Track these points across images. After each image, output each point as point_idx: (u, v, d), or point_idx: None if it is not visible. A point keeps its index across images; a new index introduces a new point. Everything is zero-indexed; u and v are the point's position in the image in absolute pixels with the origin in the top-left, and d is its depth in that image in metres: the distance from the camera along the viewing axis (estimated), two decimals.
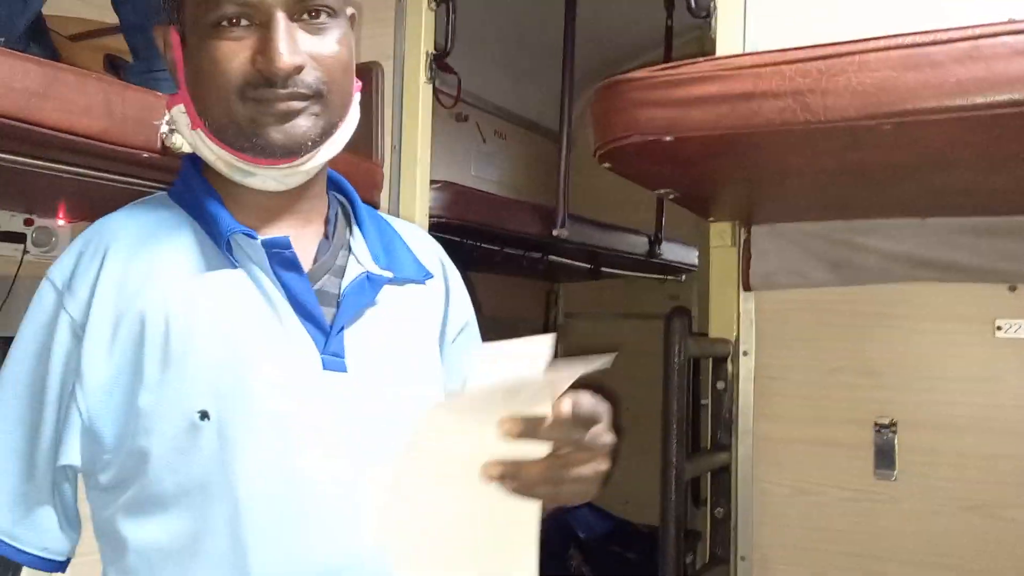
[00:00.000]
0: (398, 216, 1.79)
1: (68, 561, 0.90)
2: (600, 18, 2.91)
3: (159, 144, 1.28)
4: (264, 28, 0.83)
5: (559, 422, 0.72)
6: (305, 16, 0.85)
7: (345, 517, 0.85)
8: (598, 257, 3.03)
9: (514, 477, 0.73)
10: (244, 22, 0.84)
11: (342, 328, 0.89)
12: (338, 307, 0.90)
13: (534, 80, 3.17)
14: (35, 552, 0.87)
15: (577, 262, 2.97)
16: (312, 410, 0.85)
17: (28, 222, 1.79)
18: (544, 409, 0.72)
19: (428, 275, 1.01)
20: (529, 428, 0.71)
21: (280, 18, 0.83)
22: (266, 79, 0.83)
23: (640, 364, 3.45)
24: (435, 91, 1.94)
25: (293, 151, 0.87)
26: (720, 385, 1.62)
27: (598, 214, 2.92)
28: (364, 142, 1.87)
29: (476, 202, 2.31)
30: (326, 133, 0.88)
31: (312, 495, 0.84)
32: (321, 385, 0.86)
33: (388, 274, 0.94)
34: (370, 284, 0.93)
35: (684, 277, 3.68)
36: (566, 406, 0.73)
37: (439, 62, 1.92)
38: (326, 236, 0.95)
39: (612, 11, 2.99)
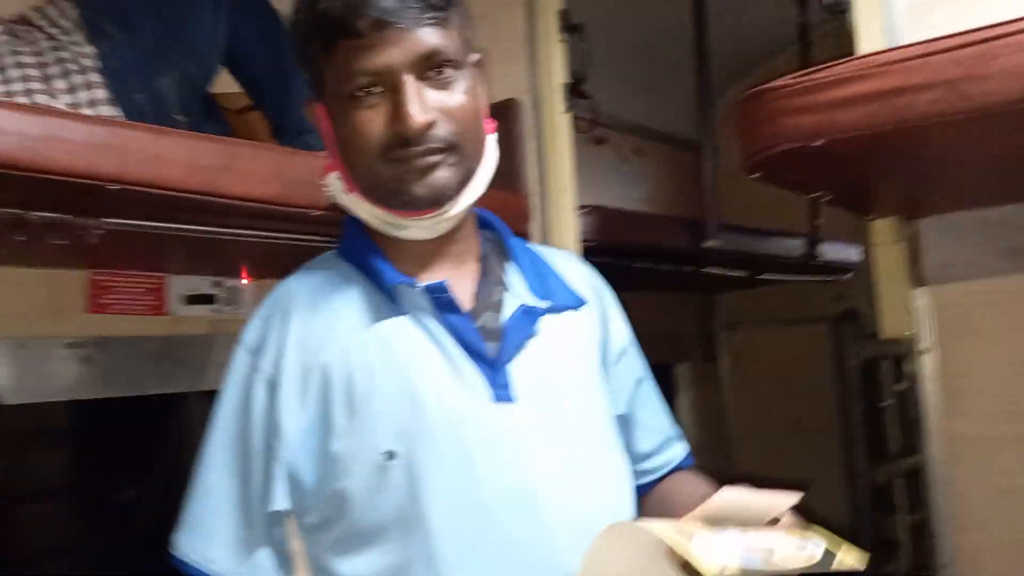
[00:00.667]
0: (549, 243, 1.84)
1: None
2: (728, 21, 2.86)
3: (325, 202, 1.38)
4: (395, 92, 0.90)
5: None
6: (430, 73, 0.91)
7: (531, 540, 0.88)
8: (754, 264, 2.96)
9: None
10: (377, 89, 0.90)
11: (507, 361, 0.94)
12: (501, 341, 0.95)
13: (667, 93, 3.15)
14: None
15: (732, 271, 2.92)
16: (488, 441, 0.90)
17: (216, 284, 1.96)
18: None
19: (582, 301, 1.04)
20: None
21: (408, 80, 0.89)
22: (402, 139, 0.89)
23: (808, 370, 3.34)
24: (573, 118, 1.97)
25: (437, 201, 0.93)
26: (900, 386, 1.55)
27: (749, 220, 2.86)
28: (510, 177, 1.92)
29: (624, 222, 2.32)
30: (465, 180, 0.95)
31: (495, 524, 0.88)
32: (493, 416, 0.91)
33: (544, 304, 0.99)
34: (528, 316, 0.98)
35: (849, 276, 3.53)
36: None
37: (575, 90, 1.96)
38: (482, 274, 1.01)
39: (740, 13, 2.94)
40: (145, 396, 1.95)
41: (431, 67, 0.91)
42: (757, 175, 1.03)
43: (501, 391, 0.93)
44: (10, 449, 1.97)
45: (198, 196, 1.22)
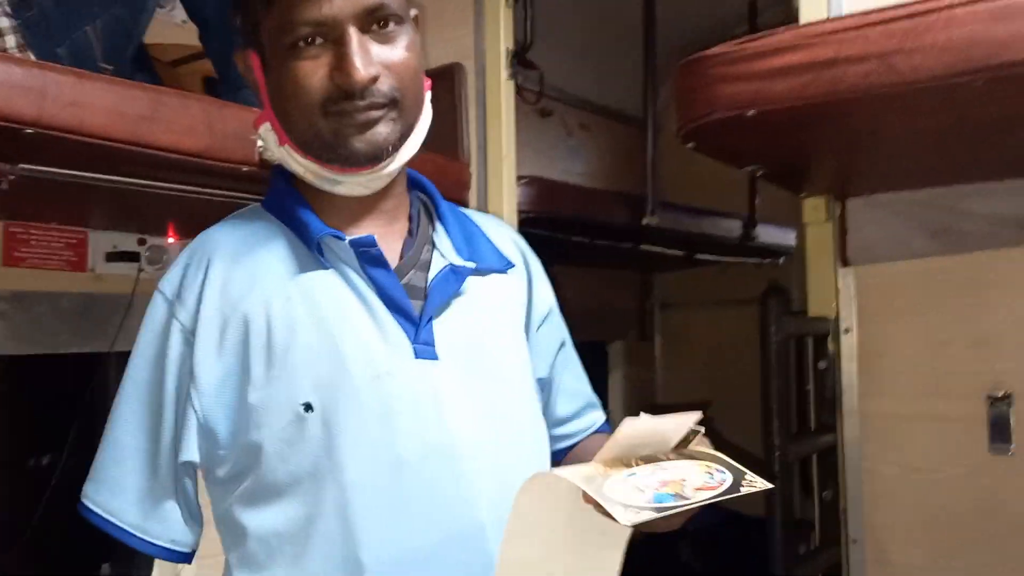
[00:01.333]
0: (487, 212, 1.83)
1: (193, 553, 0.96)
2: None
3: (257, 158, 1.34)
4: (338, 44, 0.88)
5: None
6: (374, 27, 0.89)
7: (446, 498, 0.88)
8: (691, 243, 2.99)
9: None
10: (319, 40, 0.88)
11: (431, 318, 0.94)
12: (426, 299, 0.95)
13: (617, 69, 3.16)
14: (164, 544, 0.93)
15: (670, 250, 2.95)
16: (408, 396, 0.90)
17: (141, 242, 1.90)
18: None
19: (510, 264, 1.05)
20: None
21: (352, 33, 0.87)
22: (345, 93, 0.88)
23: (740, 352, 3.40)
24: (518, 88, 1.96)
25: (375, 157, 0.91)
26: (822, 364, 1.58)
27: (690, 200, 2.89)
28: (450, 142, 1.90)
29: (563, 195, 2.32)
30: (404, 136, 0.93)
31: (413, 477, 0.88)
32: (414, 372, 0.91)
33: (471, 265, 0.99)
34: (454, 275, 0.97)
35: (783, 260, 3.60)
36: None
37: (520, 59, 1.94)
38: (410, 233, 1.01)
39: None
40: (63, 356, 1.89)
41: (375, 20, 0.89)
42: (692, 144, 1.03)
43: (423, 347, 0.92)
44: None
45: (121, 145, 1.18)
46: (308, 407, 0.87)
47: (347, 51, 0.87)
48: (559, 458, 1.09)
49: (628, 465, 0.77)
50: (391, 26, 0.90)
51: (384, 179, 0.96)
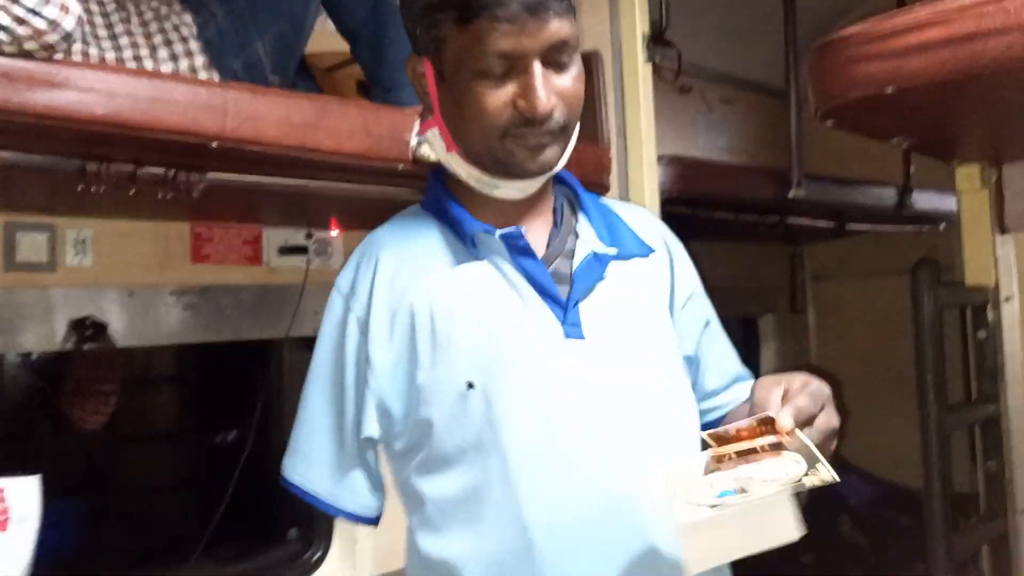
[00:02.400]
0: (628, 195, 1.86)
1: (379, 517, 1.07)
2: None
3: (410, 156, 1.44)
4: (524, 75, 0.94)
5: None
6: (553, 59, 0.95)
7: (597, 466, 0.96)
8: (841, 214, 2.91)
9: None
10: (505, 69, 0.95)
11: (577, 302, 1.01)
12: (571, 284, 1.02)
13: (757, 40, 3.09)
14: (352, 510, 1.06)
15: (818, 221, 2.87)
16: (559, 373, 0.98)
17: (308, 236, 2.05)
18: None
19: (650, 249, 1.10)
20: None
21: (537, 65, 0.94)
22: (526, 120, 0.95)
23: (898, 323, 3.28)
24: (655, 67, 1.97)
25: (540, 174, 1.00)
26: (981, 334, 1.54)
27: (840, 170, 2.81)
28: (589, 128, 1.94)
29: (705, 172, 2.32)
30: (561, 156, 1.02)
31: (567, 447, 0.96)
32: (564, 351, 0.98)
33: (612, 251, 1.05)
34: (597, 261, 1.04)
35: (943, 226, 3.43)
36: (785, 421, 0.83)
37: (657, 39, 1.95)
38: (555, 224, 1.08)
39: None
40: (242, 342, 2.07)
41: (556, 54, 0.96)
42: (831, 122, 1.04)
43: (572, 328, 1.00)
44: (121, 391, 2.12)
45: (291, 151, 1.29)
46: (470, 385, 0.97)
47: (533, 83, 0.93)
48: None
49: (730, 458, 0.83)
50: (565, 57, 0.97)
51: (538, 185, 1.03)
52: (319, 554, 2.32)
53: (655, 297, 1.09)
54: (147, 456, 2.23)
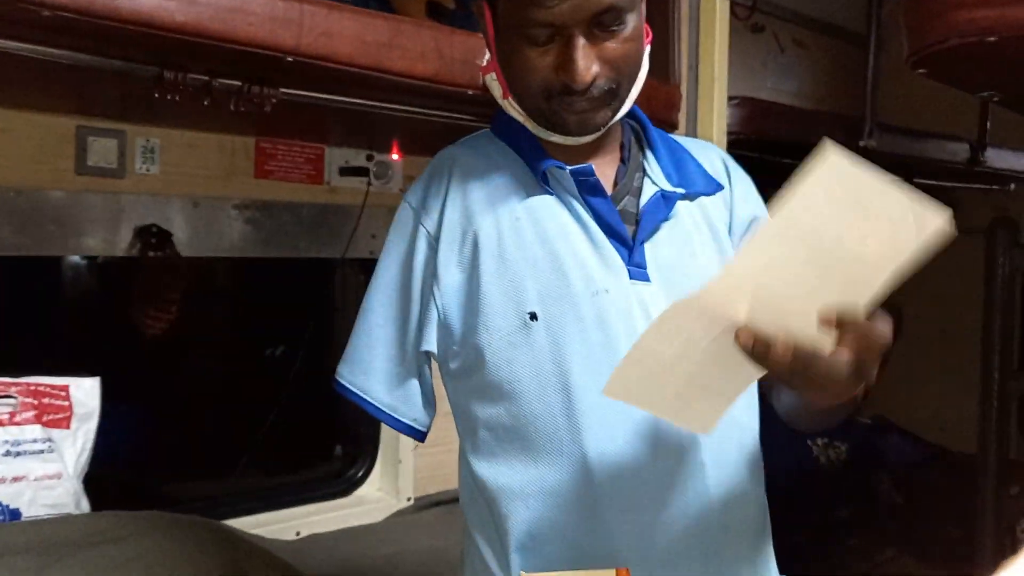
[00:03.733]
0: (696, 135, 1.83)
1: (427, 433, 1.09)
2: None
3: (481, 82, 1.42)
4: (566, 44, 0.93)
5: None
6: (599, 28, 0.93)
7: None
8: (912, 167, 2.83)
9: (762, 355, 0.79)
10: (549, 35, 0.93)
11: (643, 241, 1.01)
12: (638, 224, 1.02)
13: None
14: (407, 421, 1.07)
15: (888, 174, 2.80)
16: (623, 312, 0.98)
17: (369, 158, 2.06)
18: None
19: (719, 187, 1.09)
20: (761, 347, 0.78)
21: (579, 36, 0.92)
22: (567, 89, 0.94)
23: (958, 282, 3.22)
24: (731, 4, 1.92)
25: (589, 132, 1.00)
26: None
27: (910, 122, 2.72)
28: (661, 63, 1.90)
29: (775, 116, 2.27)
30: (617, 111, 1.00)
31: None
32: (629, 291, 0.98)
33: (680, 190, 1.05)
34: (664, 201, 1.04)
35: (1013, 187, 3.33)
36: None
37: None
38: (622, 161, 1.07)
39: None
40: (300, 259, 2.10)
41: (601, 23, 0.94)
42: (923, 71, 1.00)
43: (637, 270, 1.00)
44: (183, 300, 2.17)
45: (364, 70, 1.28)
46: (533, 316, 0.97)
47: (572, 54, 0.92)
48: None
49: None
50: (616, 22, 0.94)
51: (594, 137, 1.02)
52: (362, 472, 2.38)
53: (721, 236, 1.08)
54: (204, 367, 2.29)
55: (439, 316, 1.02)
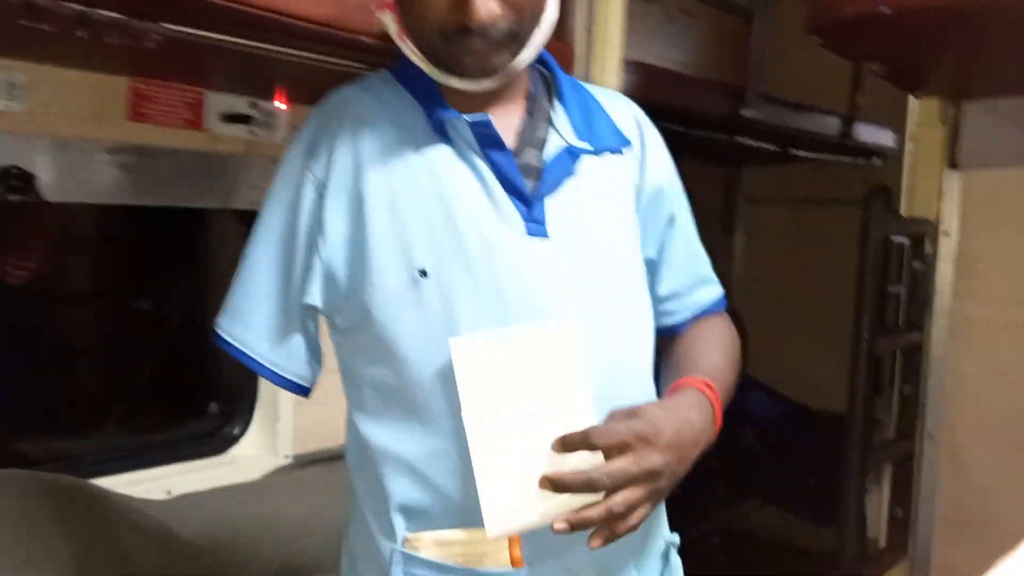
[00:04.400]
0: None
1: (311, 389, 1.04)
2: None
3: (378, 29, 1.37)
4: None
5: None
6: None
7: None
8: (787, 139, 2.94)
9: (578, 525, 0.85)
10: None
11: (543, 197, 0.98)
12: (539, 178, 0.98)
13: None
14: (289, 376, 1.02)
15: (765, 144, 2.90)
16: (519, 272, 0.95)
17: (253, 105, 1.96)
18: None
19: (626, 142, 1.06)
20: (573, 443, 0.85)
21: None
22: (464, 29, 0.90)
23: (824, 251, 3.38)
24: None
25: (487, 75, 0.96)
26: (917, 265, 1.59)
27: (784, 94, 2.82)
28: (557, 23, 1.89)
29: (665, 82, 2.30)
30: (516, 55, 0.97)
31: None
32: (525, 249, 0.95)
33: (587, 146, 1.01)
34: (569, 156, 1.01)
35: (877, 161, 3.51)
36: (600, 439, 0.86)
37: None
38: (528, 112, 1.03)
39: None
40: (176, 208, 2.00)
41: None
42: (818, 39, 1.03)
43: (535, 226, 0.97)
44: (47, 248, 2.03)
45: (255, 10, 1.21)
46: (423, 273, 0.93)
47: None
48: (667, 335, 1.12)
49: None
50: None
51: (496, 83, 0.99)
52: (239, 429, 2.31)
53: (624, 196, 1.06)
54: (71, 318, 2.16)
55: (324, 268, 0.97)
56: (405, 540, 0.95)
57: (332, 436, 2.39)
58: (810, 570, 3.14)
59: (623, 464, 0.84)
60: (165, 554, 1.65)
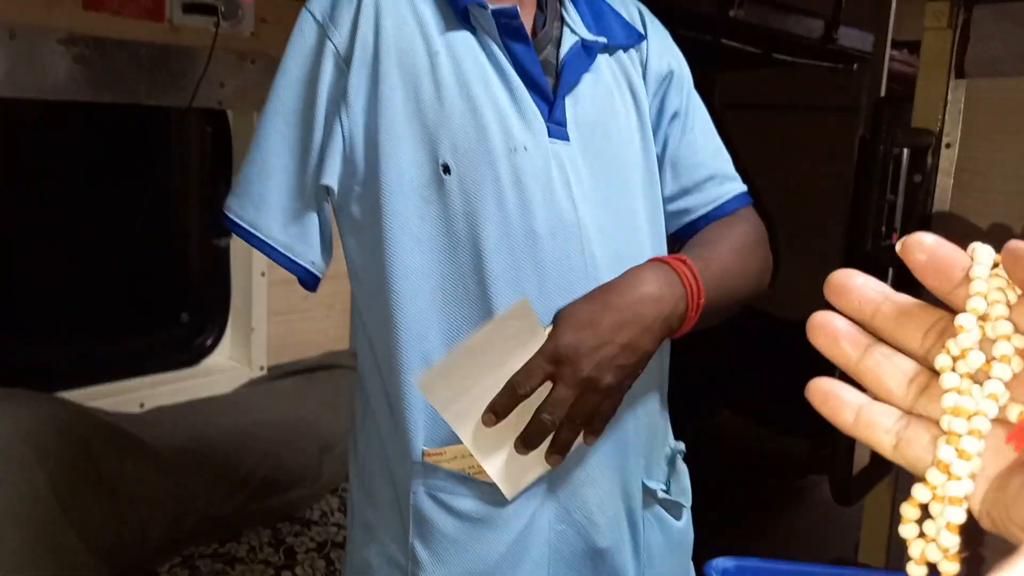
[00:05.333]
0: None
1: (320, 279, 0.96)
2: None
3: None
4: None
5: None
6: None
7: (572, 270, 0.91)
8: (769, 41, 2.86)
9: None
10: None
11: (564, 96, 0.93)
12: (558, 77, 0.94)
13: None
14: (304, 264, 0.93)
15: (749, 47, 2.82)
16: (540, 173, 0.90)
17: None
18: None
19: (641, 37, 1.02)
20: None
21: None
22: None
23: (797, 159, 3.35)
24: None
25: None
26: (917, 178, 1.55)
27: None
28: None
29: None
30: None
31: (544, 249, 0.90)
32: (547, 151, 0.91)
33: (601, 40, 0.97)
34: (586, 52, 0.96)
35: (856, 66, 3.45)
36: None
37: None
38: (539, 8, 0.98)
39: None
40: (137, 106, 1.88)
41: None
42: None
43: (557, 127, 0.92)
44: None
45: None
46: (446, 169, 0.87)
47: None
48: (685, 235, 1.07)
49: None
50: None
51: None
52: (211, 340, 2.25)
53: (638, 92, 1.01)
54: (30, 223, 2.04)
55: (344, 147, 0.89)
56: (425, 453, 0.91)
57: (308, 347, 2.35)
58: (781, 477, 3.23)
59: (556, 395, 0.85)
60: (141, 469, 1.61)
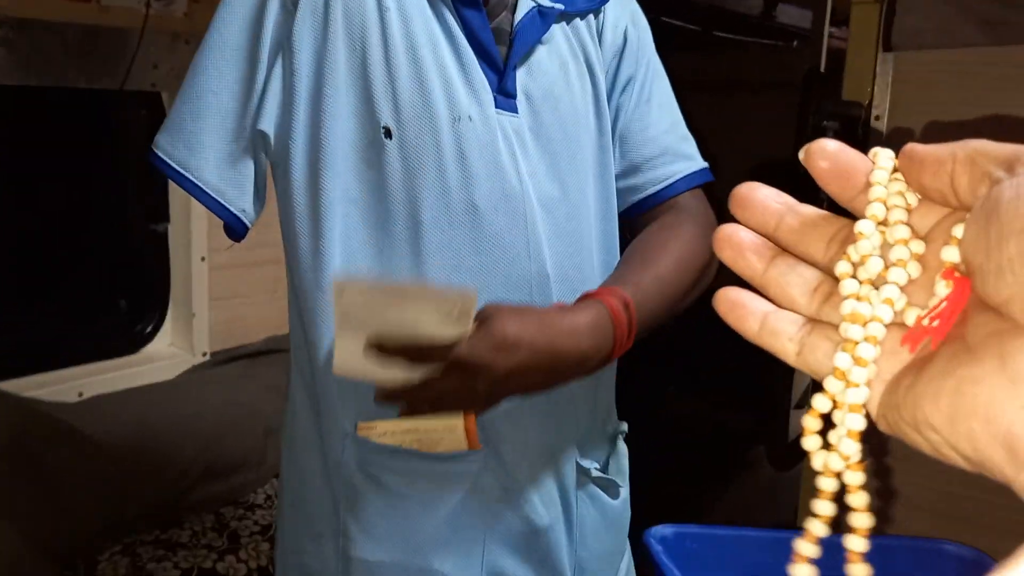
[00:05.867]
0: None
1: (249, 229, 0.92)
2: None
3: None
4: None
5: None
6: None
7: (514, 247, 0.89)
8: (711, 20, 2.88)
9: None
10: None
11: (515, 67, 0.90)
12: (511, 45, 0.90)
13: None
14: (234, 211, 0.89)
15: (689, 25, 2.84)
16: (485, 144, 0.88)
17: None
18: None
19: (602, 1, 0.97)
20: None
21: None
22: None
23: (743, 137, 3.38)
24: None
25: None
26: None
27: None
28: None
29: None
30: None
31: (484, 224, 0.88)
32: (493, 122, 0.88)
33: (558, 6, 0.93)
34: (541, 19, 0.92)
35: (795, 44, 3.49)
36: None
37: None
38: None
39: None
40: (64, 89, 1.84)
41: None
42: None
43: (505, 99, 0.90)
44: None
45: None
46: (388, 133, 0.85)
47: None
48: (637, 213, 1.03)
49: None
50: None
51: None
52: (151, 327, 2.21)
53: (593, 62, 0.98)
54: None
55: (284, 93, 0.86)
56: (358, 427, 0.90)
57: (251, 332, 2.32)
58: (726, 450, 3.27)
59: (436, 386, 0.79)
60: (77, 458, 1.58)
